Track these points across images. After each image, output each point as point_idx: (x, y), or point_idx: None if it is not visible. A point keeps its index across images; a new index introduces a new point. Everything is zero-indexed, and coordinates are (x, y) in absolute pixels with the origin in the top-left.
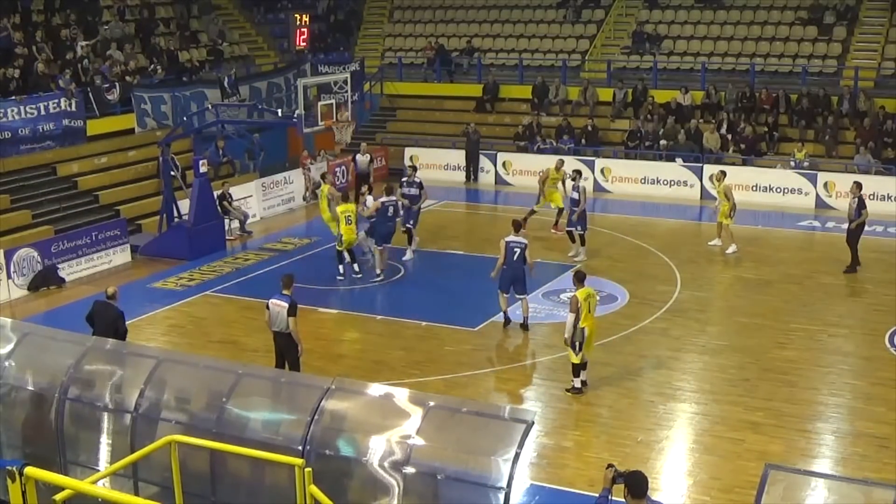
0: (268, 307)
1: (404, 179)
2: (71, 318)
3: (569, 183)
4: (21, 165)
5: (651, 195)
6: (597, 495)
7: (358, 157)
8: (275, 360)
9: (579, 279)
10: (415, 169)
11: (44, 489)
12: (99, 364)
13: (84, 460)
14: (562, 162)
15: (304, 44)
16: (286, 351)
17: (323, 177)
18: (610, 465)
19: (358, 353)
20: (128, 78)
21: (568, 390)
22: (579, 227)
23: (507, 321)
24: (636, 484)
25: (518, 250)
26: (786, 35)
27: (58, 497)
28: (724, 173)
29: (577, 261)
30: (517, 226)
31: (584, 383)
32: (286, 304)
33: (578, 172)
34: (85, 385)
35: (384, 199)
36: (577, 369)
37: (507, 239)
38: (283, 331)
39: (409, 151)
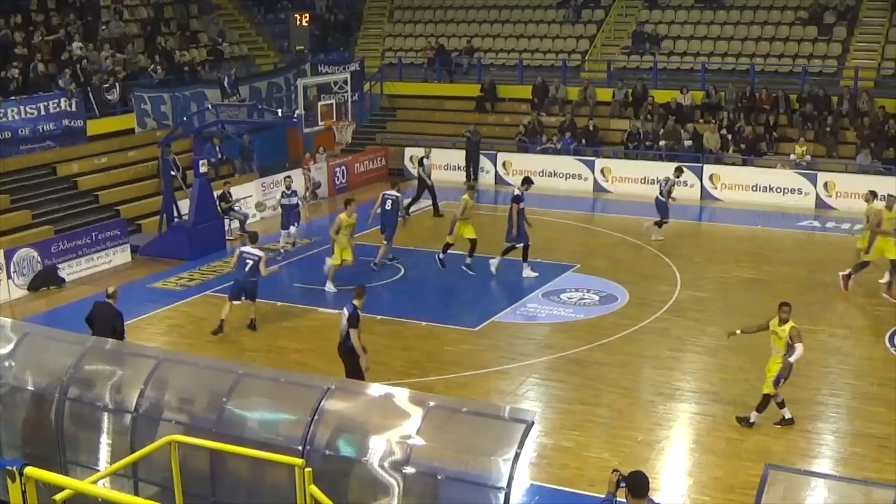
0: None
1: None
2: (71, 318)
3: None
4: (21, 165)
5: (652, 195)
6: (597, 496)
7: (425, 161)
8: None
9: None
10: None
11: (44, 489)
12: (99, 364)
13: (84, 460)
14: (894, 198)
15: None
16: (344, 359)
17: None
18: (615, 471)
19: None
20: (121, 70)
21: (740, 420)
22: (661, 216)
23: (221, 330)
24: (637, 484)
25: (251, 262)
26: (786, 35)
27: (58, 497)
28: (874, 194)
29: (657, 240)
30: (254, 237)
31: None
32: (347, 314)
33: (680, 170)
34: (85, 385)
35: (386, 192)
36: (766, 402)
37: (242, 249)
38: (343, 338)
39: (409, 151)
